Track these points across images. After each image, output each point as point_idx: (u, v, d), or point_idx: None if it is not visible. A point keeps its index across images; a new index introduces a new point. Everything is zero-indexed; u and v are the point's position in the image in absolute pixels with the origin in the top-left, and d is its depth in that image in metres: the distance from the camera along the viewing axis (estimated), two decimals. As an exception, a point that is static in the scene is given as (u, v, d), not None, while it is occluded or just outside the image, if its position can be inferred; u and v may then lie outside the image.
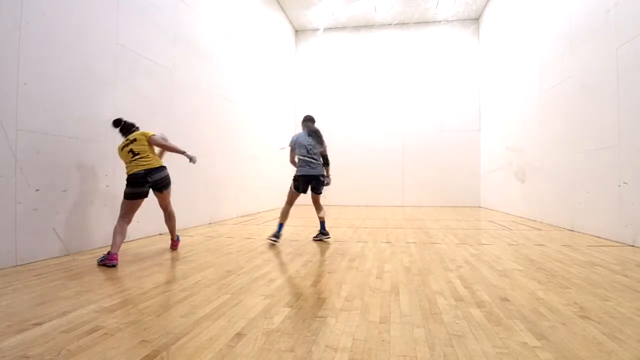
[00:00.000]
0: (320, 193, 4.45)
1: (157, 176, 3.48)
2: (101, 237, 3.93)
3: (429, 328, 1.80)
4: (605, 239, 4.53)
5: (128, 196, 3.39)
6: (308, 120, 4.54)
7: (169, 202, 3.80)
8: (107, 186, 4.06)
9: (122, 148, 3.51)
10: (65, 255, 3.49)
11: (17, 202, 3.07)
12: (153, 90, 4.90)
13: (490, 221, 6.86)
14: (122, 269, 3.03)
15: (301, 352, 1.55)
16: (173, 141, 3.89)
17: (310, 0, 10.13)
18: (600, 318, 1.93)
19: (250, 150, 8.15)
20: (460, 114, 10.96)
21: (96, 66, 3.96)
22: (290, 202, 4.39)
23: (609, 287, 2.50)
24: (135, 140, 3.48)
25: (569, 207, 5.51)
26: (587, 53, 5.10)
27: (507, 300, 2.24)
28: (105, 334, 1.72)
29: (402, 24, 11.30)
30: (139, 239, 4.52)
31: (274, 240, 4.22)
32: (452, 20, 11.09)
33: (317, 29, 11.70)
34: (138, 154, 3.44)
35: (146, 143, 3.50)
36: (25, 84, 3.15)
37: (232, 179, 7.23)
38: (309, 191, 4.46)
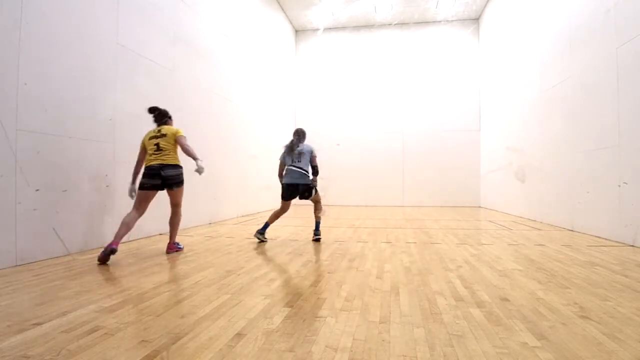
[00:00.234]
0: (306, 198, 4.51)
1: (170, 172, 3.60)
2: (101, 237, 3.93)
3: (429, 328, 1.80)
4: (605, 239, 4.53)
5: (142, 186, 3.55)
6: (297, 132, 4.60)
7: (180, 202, 3.80)
8: (107, 186, 4.06)
9: (150, 137, 3.65)
10: (65, 255, 3.49)
11: (17, 202, 3.07)
12: (153, 90, 4.90)
13: (490, 221, 6.86)
14: (122, 269, 3.03)
15: (301, 352, 1.55)
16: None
17: (310, 0, 10.13)
18: (600, 318, 1.93)
19: (250, 150, 8.15)
20: (460, 114, 10.96)
21: (96, 66, 3.96)
22: (282, 209, 4.57)
23: (609, 287, 2.50)
24: (165, 135, 3.63)
25: (569, 207, 5.51)
26: (587, 53, 5.10)
27: (507, 300, 2.24)
28: (105, 334, 1.72)
29: (402, 24, 11.30)
30: (139, 238, 4.52)
31: (258, 237, 4.42)
32: (452, 20, 11.09)
33: (317, 29, 11.70)
34: (162, 149, 3.60)
35: (173, 141, 3.66)
36: (25, 84, 3.15)
37: (232, 179, 7.23)
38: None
